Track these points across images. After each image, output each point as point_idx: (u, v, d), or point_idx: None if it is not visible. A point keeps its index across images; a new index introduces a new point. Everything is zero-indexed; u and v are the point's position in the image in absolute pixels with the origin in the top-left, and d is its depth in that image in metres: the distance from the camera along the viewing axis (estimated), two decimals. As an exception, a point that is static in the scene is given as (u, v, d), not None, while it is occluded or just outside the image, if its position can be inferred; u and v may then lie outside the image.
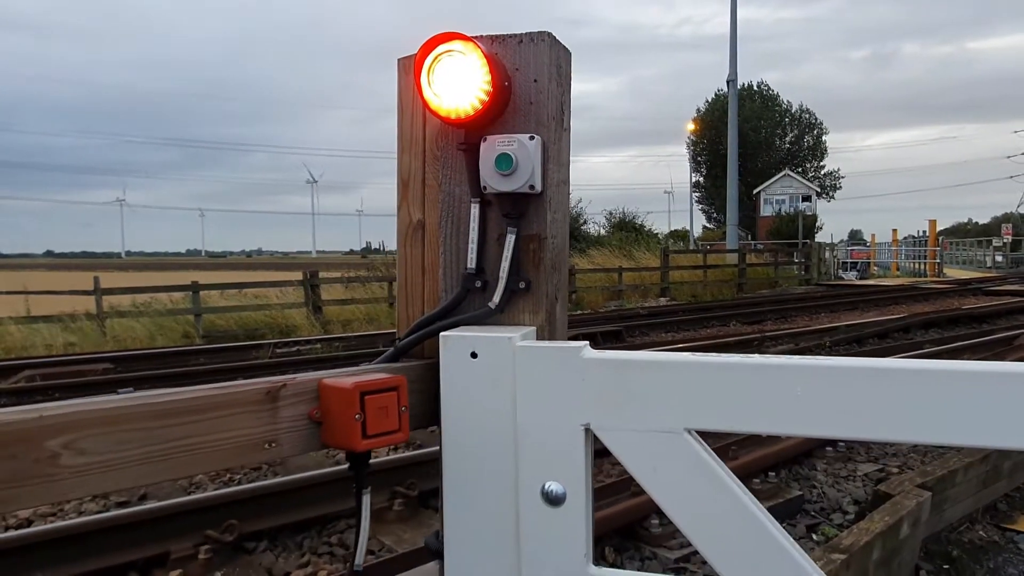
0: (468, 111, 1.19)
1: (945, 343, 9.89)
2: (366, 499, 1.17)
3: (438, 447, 1.21)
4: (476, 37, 1.20)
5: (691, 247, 35.39)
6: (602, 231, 31.80)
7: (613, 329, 11.41)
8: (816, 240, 30.31)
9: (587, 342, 1.12)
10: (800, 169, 50.07)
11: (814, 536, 3.68)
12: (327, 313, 14.19)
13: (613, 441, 1.06)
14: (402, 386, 1.13)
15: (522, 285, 1.25)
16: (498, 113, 1.23)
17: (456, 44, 1.18)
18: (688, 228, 50.03)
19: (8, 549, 3.19)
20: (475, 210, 1.27)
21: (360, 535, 1.18)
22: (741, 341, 10.25)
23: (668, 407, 1.02)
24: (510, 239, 1.25)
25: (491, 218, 1.28)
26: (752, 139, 49.25)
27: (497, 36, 1.25)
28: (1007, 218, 60.77)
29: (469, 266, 1.28)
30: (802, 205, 37.83)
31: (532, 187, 1.21)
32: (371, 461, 1.18)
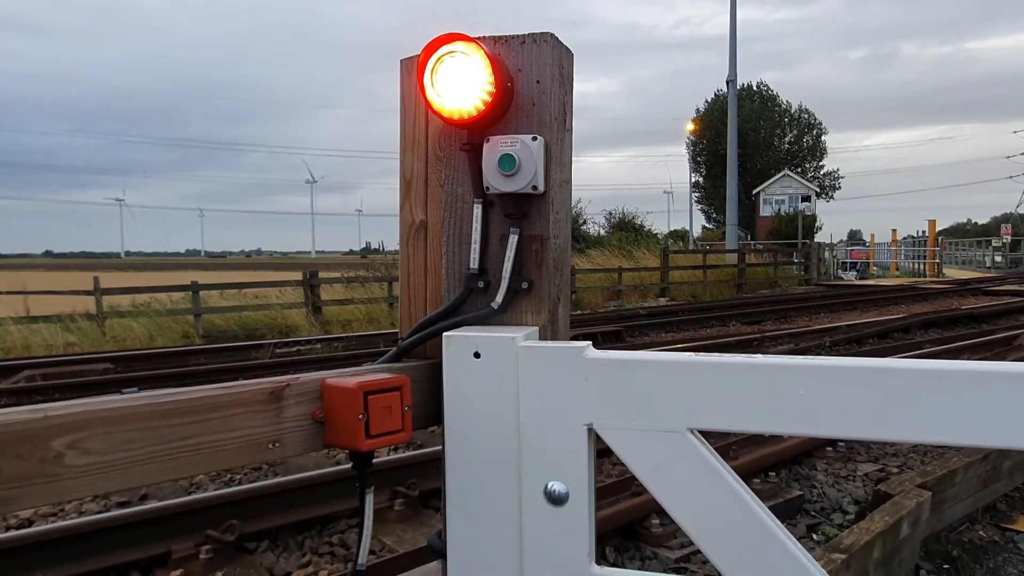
0: (471, 112, 1.19)
1: (945, 343, 9.90)
2: (369, 498, 1.17)
3: (440, 447, 1.21)
4: (479, 38, 1.20)
5: (691, 247, 35.36)
6: (602, 231, 31.85)
7: (613, 329, 11.41)
8: (815, 240, 30.27)
9: (589, 342, 1.12)
10: (799, 169, 50.08)
11: (814, 536, 3.69)
12: (327, 313, 14.19)
13: (616, 440, 1.06)
14: (405, 386, 1.13)
15: (525, 285, 1.26)
16: (501, 114, 1.24)
17: (459, 45, 1.18)
18: (688, 228, 50.12)
19: (9, 549, 3.19)
20: (478, 210, 1.27)
21: (363, 534, 1.18)
22: (741, 341, 10.25)
23: (671, 407, 1.02)
24: (512, 239, 1.25)
25: (493, 218, 1.28)
26: (751, 139, 49.27)
27: (500, 37, 1.25)
28: (1006, 218, 60.72)
29: (472, 266, 1.28)
30: (801, 205, 37.79)
31: (535, 188, 1.22)
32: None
